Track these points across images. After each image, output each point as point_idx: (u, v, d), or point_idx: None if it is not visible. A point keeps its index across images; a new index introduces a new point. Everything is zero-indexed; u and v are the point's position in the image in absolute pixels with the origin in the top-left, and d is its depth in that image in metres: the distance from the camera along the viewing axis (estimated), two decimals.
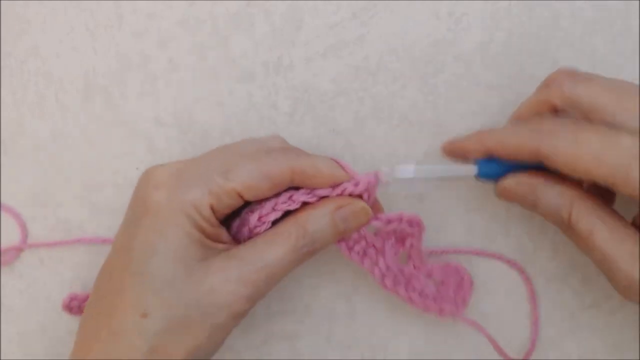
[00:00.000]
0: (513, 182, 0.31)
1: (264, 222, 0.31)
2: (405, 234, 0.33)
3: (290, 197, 0.31)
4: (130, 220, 0.30)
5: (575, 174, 0.28)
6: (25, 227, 0.37)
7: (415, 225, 0.33)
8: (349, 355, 0.37)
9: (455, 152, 0.33)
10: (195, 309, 0.28)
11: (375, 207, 0.33)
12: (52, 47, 0.37)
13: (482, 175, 0.32)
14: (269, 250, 0.30)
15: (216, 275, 0.29)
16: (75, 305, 0.36)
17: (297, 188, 0.31)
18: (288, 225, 0.30)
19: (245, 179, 0.29)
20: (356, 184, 0.31)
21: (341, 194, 0.31)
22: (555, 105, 0.31)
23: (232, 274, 0.29)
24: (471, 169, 0.32)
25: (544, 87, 0.32)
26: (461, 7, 0.36)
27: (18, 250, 0.37)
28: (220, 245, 0.30)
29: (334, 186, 0.31)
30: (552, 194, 0.30)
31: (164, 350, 0.28)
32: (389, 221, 0.32)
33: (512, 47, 0.36)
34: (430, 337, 0.37)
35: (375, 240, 0.33)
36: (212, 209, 0.29)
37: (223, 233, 0.31)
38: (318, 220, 0.30)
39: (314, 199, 0.31)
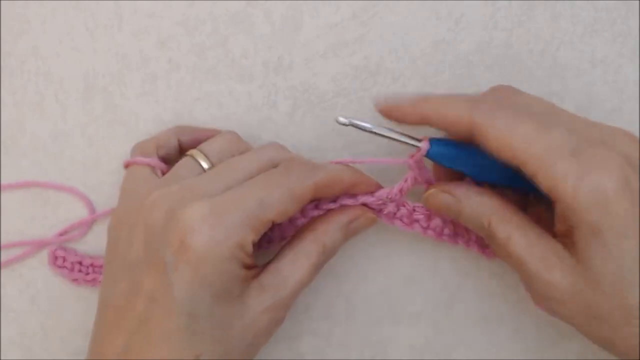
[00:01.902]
0: (438, 192, 0.32)
1: (293, 226, 0.34)
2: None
3: (316, 207, 0.33)
4: (161, 264, 0.28)
5: (502, 155, 0.29)
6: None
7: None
8: (349, 355, 0.37)
9: (390, 112, 0.32)
10: (241, 341, 0.30)
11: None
12: (52, 47, 0.37)
13: (431, 157, 0.32)
14: (294, 273, 0.31)
15: (255, 308, 0.30)
16: (60, 256, 0.36)
17: None
18: (307, 243, 0.32)
19: (279, 206, 0.30)
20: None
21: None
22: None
23: (267, 303, 0.30)
24: (424, 145, 0.32)
25: (470, 102, 0.30)
26: (461, 7, 0.36)
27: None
28: (252, 273, 0.31)
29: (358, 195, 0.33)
30: (474, 204, 0.31)
31: None
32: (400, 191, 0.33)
33: (512, 47, 0.36)
34: (430, 337, 0.37)
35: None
36: (253, 243, 0.30)
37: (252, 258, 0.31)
38: (334, 234, 0.32)
39: (336, 205, 0.33)
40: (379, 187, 0.34)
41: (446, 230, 0.34)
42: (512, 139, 0.28)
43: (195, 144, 0.34)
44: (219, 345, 0.29)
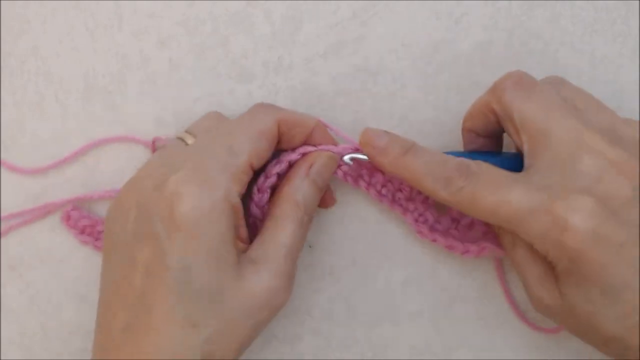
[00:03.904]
0: None
1: (264, 191, 0.33)
2: None
3: (277, 161, 0.33)
4: (156, 234, 0.28)
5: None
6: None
7: None
8: (349, 355, 0.37)
9: (372, 160, 0.33)
10: (239, 313, 0.29)
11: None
12: (52, 47, 0.37)
13: None
14: (280, 239, 0.31)
15: (250, 277, 0.29)
16: (74, 217, 0.36)
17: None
18: (281, 205, 0.32)
19: (249, 147, 0.30)
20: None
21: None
22: (494, 110, 0.31)
23: (263, 273, 0.30)
24: None
25: (490, 90, 0.32)
26: (461, 7, 0.36)
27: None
28: (243, 245, 0.31)
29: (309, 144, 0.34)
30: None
31: (214, 355, 0.28)
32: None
33: (512, 47, 0.36)
34: (430, 337, 0.37)
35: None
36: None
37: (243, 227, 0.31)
38: (300, 186, 0.32)
39: (297, 155, 0.33)
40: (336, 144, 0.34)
41: (384, 191, 0.35)
42: (478, 211, 0.29)
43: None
44: (217, 316, 0.29)
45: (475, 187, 0.29)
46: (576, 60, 0.36)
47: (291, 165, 0.33)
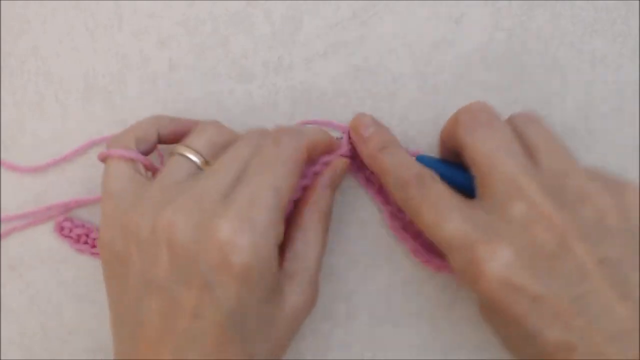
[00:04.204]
0: None
1: (289, 205, 0.33)
2: None
3: (303, 175, 0.33)
4: (200, 281, 0.28)
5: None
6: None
7: None
8: (349, 355, 0.37)
9: (355, 146, 0.34)
10: (285, 329, 0.31)
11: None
12: (52, 47, 0.37)
13: None
14: (311, 250, 0.32)
15: (291, 297, 0.31)
16: (67, 227, 0.36)
17: None
18: (309, 217, 0.33)
19: (289, 182, 0.30)
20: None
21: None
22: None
23: (297, 289, 0.31)
24: None
25: (452, 119, 0.32)
26: (461, 7, 0.36)
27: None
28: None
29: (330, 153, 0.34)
30: None
31: None
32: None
33: (512, 47, 0.36)
34: (430, 336, 0.37)
35: None
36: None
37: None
38: (323, 195, 0.33)
39: (320, 166, 0.34)
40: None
41: (373, 178, 0.36)
42: (419, 225, 0.30)
43: (174, 136, 0.34)
44: (269, 341, 0.30)
45: (421, 200, 0.30)
46: (576, 60, 0.36)
47: (316, 175, 0.34)
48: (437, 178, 0.31)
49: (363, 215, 0.36)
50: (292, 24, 0.36)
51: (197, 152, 0.31)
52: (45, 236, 0.37)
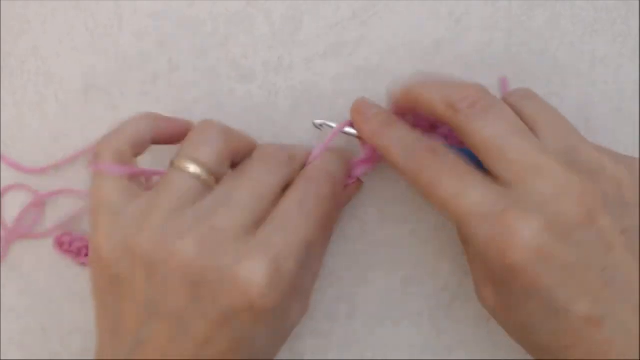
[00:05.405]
0: None
1: None
2: None
3: None
4: (219, 316, 0.28)
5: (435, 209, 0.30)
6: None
7: None
8: (349, 355, 0.37)
9: (356, 126, 0.33)
10: (284, 339, 0.32)
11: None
12: (52, 47, 0.37)
13: None
14: (312, 267, 0.32)
15: (295, 313, 0.31)
16: (66, 242, 0.36)
17: None
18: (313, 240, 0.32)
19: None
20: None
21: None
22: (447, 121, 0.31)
23: (301, 305, 0.31)
24: None
25: (444, 104, 0.30)
26: (461, 7, 0.36)
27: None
28: None
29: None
30: None
31: None
32: None
33: (512, 47, 0.36)
34: (430, 337, 0.37)
35: None
36: None
37: None
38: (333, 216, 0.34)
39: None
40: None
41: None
42: (433, 198, 0.29)
43: (169, 138, 0.32)
44: (271, 353, 0.31)
45: (438, 170, 0.28)
46: (576, 60, 0.36)
47: None
48: (447, 148, 0.30)
49: (363, 216, 0.36)
50: (292, 24, 0.36)
51: (203, 166, 0.29)
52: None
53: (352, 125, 0.33)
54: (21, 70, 0.37)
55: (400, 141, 0.30)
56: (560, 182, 0.27)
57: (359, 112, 0.32)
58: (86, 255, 0.36)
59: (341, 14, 0.36)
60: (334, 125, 0.33)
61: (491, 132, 0.28)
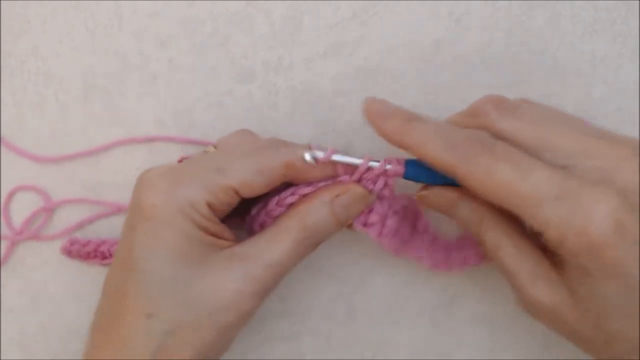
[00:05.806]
0: (431, 194, 0.31)
1: (271, 217, 0.32)
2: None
3: (292, 193, 0.31)
4: (129, 224, 0.30)
5: (488, 199, 0.28)
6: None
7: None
8: (349, 355, 0.37)
9: (374, 120, 0.30)
10: (201, 309, 0.28)
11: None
12: (52, 47, 0.37)
13: (407, 178, 0.31)
14: (271, 247, 0.30)
15: (219, 274, 0.29)
16: (75, 250, 0.36)
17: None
18: (287, 219, 0.31)
19: (240, 175, 0.30)
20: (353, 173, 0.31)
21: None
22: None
23: (236, 273, 0.29)
24: (399, 169, 0.31)
25: (470, 116, 0.30)
26: (461, 7, 0.36)
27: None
28: (224, 243, 0.30)
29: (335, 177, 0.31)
30: (465, 209, 0.30)
31: (171, 350, 0.28)
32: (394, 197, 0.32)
33: (512, 47, 0.36)
34: (430, 337, 0.37)
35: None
36: (210, 206, 0.29)
37: (225, 231, 0.31)
38: (318, 212, 0.31)
39: (312, 188, 0.31)
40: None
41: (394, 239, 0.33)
42: (492, 189, 0.27)
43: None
44: (177, 309, 0.28)
45: (493, 157, 0.27)
46: (576, 60, 0.36)
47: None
48: (490, 135, 0.28)
49: None
50: (292, 24, 0.36)
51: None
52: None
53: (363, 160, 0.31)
54: (21, 70, 0.37)
55: (438, 133, 0.28)
56: (613, 158, 0.26)
57: (374, 111, 0.30)
58: (94, 257, 0.36)
59: (341, 14, 0.36)
60: (321, 154, 0.31)
61: (528, 126, 0.28)
